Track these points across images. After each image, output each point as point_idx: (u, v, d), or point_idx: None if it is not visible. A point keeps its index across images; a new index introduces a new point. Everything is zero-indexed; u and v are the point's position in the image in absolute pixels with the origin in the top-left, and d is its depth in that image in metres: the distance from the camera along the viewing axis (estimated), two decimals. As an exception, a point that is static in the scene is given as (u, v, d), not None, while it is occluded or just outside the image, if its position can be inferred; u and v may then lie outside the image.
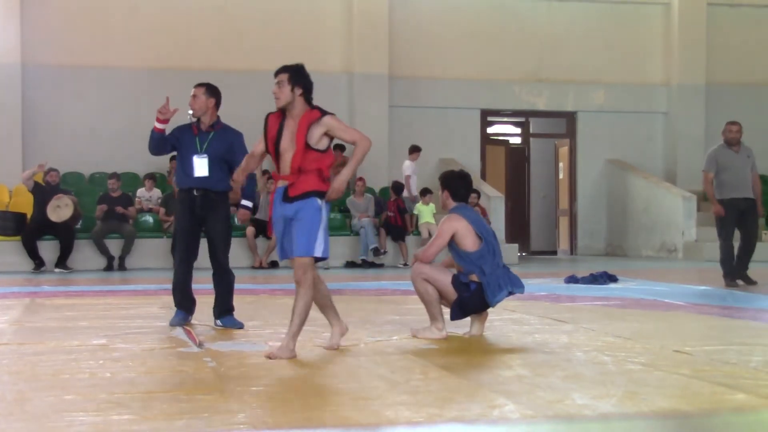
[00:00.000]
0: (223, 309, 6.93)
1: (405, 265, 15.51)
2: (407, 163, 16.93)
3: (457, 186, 6.34)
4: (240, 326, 6.82)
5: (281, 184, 5.50)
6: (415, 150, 16.98)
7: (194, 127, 6.98)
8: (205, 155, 6.84)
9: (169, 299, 8.66)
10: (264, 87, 18.87)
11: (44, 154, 16.29)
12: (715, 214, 10.85)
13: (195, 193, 6.83)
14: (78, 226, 14.55)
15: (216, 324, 6.91)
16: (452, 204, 6.32)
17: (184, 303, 7.01)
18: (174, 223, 7.24)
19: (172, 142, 6.96)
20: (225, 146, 6.92)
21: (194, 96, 7.05)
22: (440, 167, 17.56)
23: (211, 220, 6.90)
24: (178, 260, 7.00)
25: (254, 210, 9.47)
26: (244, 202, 7.05)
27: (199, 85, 7.19)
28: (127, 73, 16.81)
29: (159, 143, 6.92)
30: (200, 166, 6.80)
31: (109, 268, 14.43)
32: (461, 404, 4.01)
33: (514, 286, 6.17)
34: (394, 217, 15.85)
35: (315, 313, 7.71)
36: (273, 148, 5.64)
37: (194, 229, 6.92)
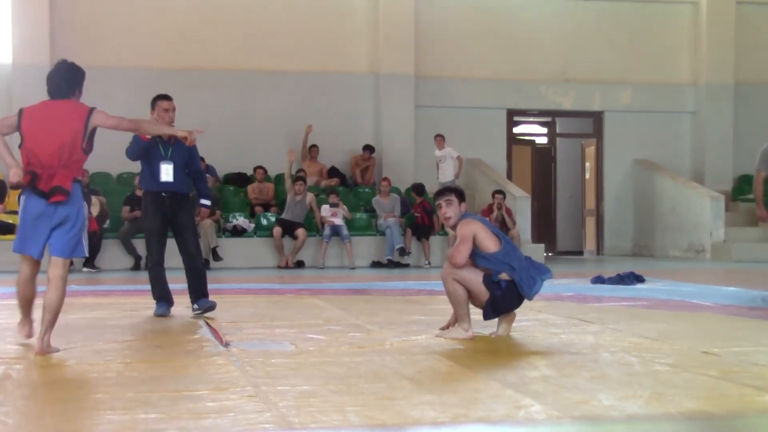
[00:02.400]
0: (199, 293, 7.62)
1: (428, 264, 15.51)
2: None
3: (464, 199, 6.32)
4: (213, 306, 7.55)
5: None
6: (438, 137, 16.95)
7: (156, 136, 7.55)
8: (171, 162, 7.55)
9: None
10: (290, 87, 19.21)
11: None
12: (760, 220, 9.91)
13: (164, 194, 7.59)
14: (105, 225, 14.64)
15: (194, 308, 7.58)
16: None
17: (166, 295, 7.66)
18: (146, 223, 7.77)
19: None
20: (186, 154, 7.64)
21: (173, 109, 7.63)
22: (467, 167, 17.54)
23: (180, 216, 7.65)
24: (156, 257, 7.63)
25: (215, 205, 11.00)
26: (202, 201, 7.97)
27: (170, 98, 7.72)
28: (154, 73, 16.89)
29: (144, 150, 7.59)
30: (166, 172, 7.53)
31: (136, 267, 14.51)
32: (487, 404, 4.00)
33: (542, 273, 6.16)
34: (421, 217, 15.83)
35: (341, 313, 7.73)
36: None
37: (165, 228, 7.68)
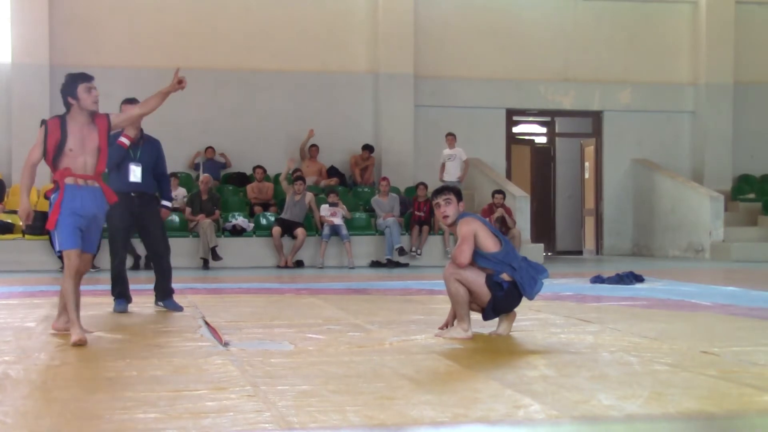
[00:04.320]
0: (165, 292, 7.92)
1: (419, 253, 15.58)
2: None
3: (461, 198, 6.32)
4: (180, 309, 7.80)
5: (88, 183, 6.11)
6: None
7: (125, 137, 7.73)
8: (140, 163, 7.77)
9: (196, 298, 8.74)
10: (290, 87, 19.23)
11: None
12: None
13: (132, 195, 7.76)
14: (105, 225, 14.62)
15: (158, 305, 7.95)
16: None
17: (125, 292, 7.89)
18: (112, 222, 7.77)
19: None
20: (154, 156, 7.91)
21: None
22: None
23: (148, 215, 7.89)
24: (120, 256, 7.88)
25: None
26: (164, 202, 8.15)
27: (134, 101, 7.70)
28: (154, 73, 16.85)
29: (123, 155, 7.76)
30: (135, 173, 7.75)
31: (135, 267, 14.50)
32: (486, 404, 4.00)
33: (540, 272, 6.19)
34: (426, 216, 15.83)
35: (341, 312, 7.73)
36: (55, 150, 6.02)
37: (131, 227, 7.93)
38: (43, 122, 6.13)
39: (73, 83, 6.02)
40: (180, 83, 6.26)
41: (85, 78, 6.07)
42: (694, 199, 17.84)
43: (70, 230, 6.06)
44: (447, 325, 6.35)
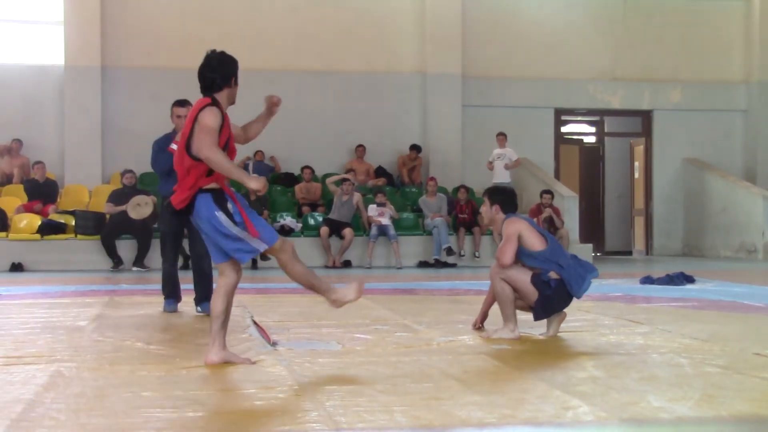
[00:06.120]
0: (204, 296, 7.77)
1: (478, 256, 15.60)
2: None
3: (505, 200, 6.33)
4: None
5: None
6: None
7: (175, 141, 7.70)
8: None
9: (244, 298, 8.79)
10: (338, 87, 19.24)
11: (122, 155, 16.64)
12: None
13: None
14: (155, 225, 14.79)
15: (197, 310, 7.88)
16: (502, 216, 6.26)
17: (175, 292, 8.07)
18: (161, 226, 8.06)
19: None
20: None
21: (182, 116, 7.89)
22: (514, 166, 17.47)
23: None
24: (170, 259, 8.05)
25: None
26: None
27: (185, 104, 7.98)
28: (203, 74, 17.02)
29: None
30: None
31: (185, 266, 14.61)
32: (534, 405, 3.98)
33: (589, 271, 6.16)
34: (469, 218, 15.80)
35: (388, 313, 7.73)
36: (223, 148, 5.00)
37: (180, 232, 8.03)
38: (215, 104, 4.94)
39: (236, 67, 5.02)
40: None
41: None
42: (747, 199, 17.59)
43: (263, 222, 5.04)
44: (476, 324, 6.49)
